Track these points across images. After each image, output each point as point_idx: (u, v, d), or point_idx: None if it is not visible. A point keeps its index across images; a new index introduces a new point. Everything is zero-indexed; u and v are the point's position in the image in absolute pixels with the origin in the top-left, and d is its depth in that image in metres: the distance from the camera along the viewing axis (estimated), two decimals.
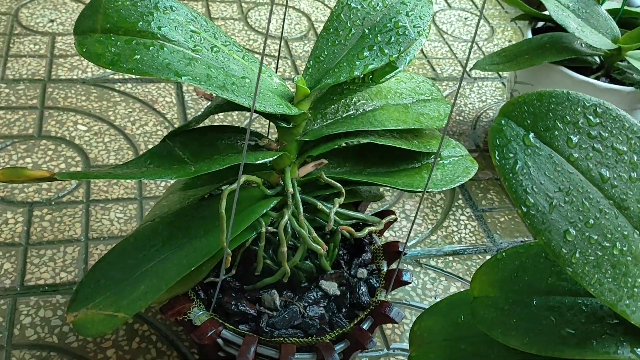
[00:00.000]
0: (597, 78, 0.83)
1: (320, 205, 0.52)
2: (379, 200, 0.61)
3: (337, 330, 0.50)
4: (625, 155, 0.33)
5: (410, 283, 0.55)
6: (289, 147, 0.51)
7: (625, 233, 0.32)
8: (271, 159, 0.49)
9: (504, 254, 0.40)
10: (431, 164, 0.61)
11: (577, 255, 0.31)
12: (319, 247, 0.51)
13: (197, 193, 0.54)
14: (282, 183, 0.51)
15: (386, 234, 0.79)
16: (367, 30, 0.50)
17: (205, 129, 0.52)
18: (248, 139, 0.40)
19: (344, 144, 0.62)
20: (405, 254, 0.57)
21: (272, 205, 0.51)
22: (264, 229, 0.50)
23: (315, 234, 0.51)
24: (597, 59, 0.86)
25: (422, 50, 1.14)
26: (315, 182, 0.54)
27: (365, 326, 0.52)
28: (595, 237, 0.32)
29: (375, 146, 0.60)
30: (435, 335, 0.42)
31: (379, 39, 0.49)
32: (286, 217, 0.49)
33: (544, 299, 0.37)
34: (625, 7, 0.87)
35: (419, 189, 0.58)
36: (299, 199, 0.51)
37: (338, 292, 0.52)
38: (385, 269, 0.57)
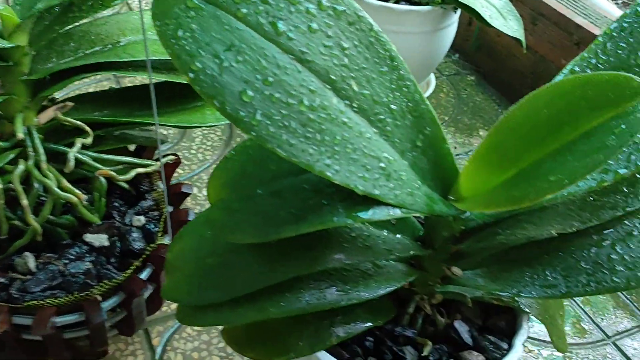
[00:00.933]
0: (397, 2, 0.83)
1: (72, 159, 0.47)
2: (158, 144, 0.56)
3: (105, 283, 0.45)
4: (300, 5, 0.30)
5: None
6: (15, 90, 0.45)
7: (312, 88, 0.29)
8: None
9: (233, 152, 0.37)
10: None
11: (259, 116, 0.28)
12: (70, 195, 0.45)
13: None
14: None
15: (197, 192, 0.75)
16: None
17: None
18: None
19: (108, 88, 0.57)
20: (189, 194, 0.53)
21: (8, 159, 0.45)
22: (0, 186, 0.44)
23: (66, 183, 0.46)
24: None
25: None
26: (64, 129, 0.48)
27: (144, 275, 0.47)
28: (277, 95, 0.28)
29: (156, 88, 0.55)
30: (185, 257, 0.38)
31: None
32: (21, 166, 0.44)
33: (268, 186, 0.34)
34: None
35: (195, 125, 0.54)
36: (39, 147, 0.45)
37: (107, 243, 0.47)
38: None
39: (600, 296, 0.70)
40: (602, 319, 0.68)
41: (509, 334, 0.42)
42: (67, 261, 0.46)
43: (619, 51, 0.37)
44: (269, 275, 0.34)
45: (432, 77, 0.97)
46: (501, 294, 0.42)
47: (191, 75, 0.28)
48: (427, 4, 0.82)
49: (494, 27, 0.77)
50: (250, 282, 0.34)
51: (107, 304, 0.45)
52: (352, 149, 0.30)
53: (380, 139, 0.32)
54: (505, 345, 0.41)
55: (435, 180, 0.35)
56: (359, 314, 0.40)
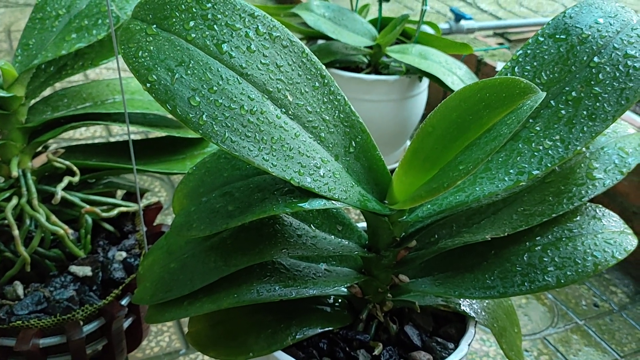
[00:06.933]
0: (368, 73, 0.91)
1: (59, 192, 0.52)
2: (137, 188, 0.62)
3: (87, 307, 0.49)
4: (241, 31, 0.36)
5: None
6: (12, 136, 0.51)
7: (252, 96, 0.35)
8: None
9: (194, 167, 0.42)
10: (196, 155, 0.64)
11: (205, 117, 0.34)
12: (57, 228, 0.50)
13: None
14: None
15: None
16: (73, 17, 0.53)
17: None
18: None
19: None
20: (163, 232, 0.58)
21: (4, 197, 0.50)
22: None
23: (54, 218, 0.51)
24: (365, 59, 0.94)
25: None
26: (56, 173, 0.54)
27: (124, 302, 0.51)
28: (221, 100, 0.34)
29: (145, 142, 0.62)
30: (153, 268, 0.43)
31: (86, 22, 0.52)
32: (13, 201, 0.49)
33: (220, 190, 0.39)
34: (383, 16, 0.97)
35: (176, 172, 0.60)
36: (31, 185, 0.51)
37: (90, 274, 0.52)
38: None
39: (574, 335, 0.72)
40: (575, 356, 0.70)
41: (458, 339, 0.46)
42: (52, 289, 0.50)
43: (525, 73, 0.43)
44: (223, 269, 0.38)
45: (409, 143, 1.03)
46: (445, 296, 0.46)
47: (148, 85, 0.34)
48: (394, 74, 0.90)
49: None
50: (207, 275, 0.38)
51: (89, 327, 0.49)
52: (289, 147, 0.36)
53: (314, 143, 0.37)
54: (452, 346, 0.44)
55: (371, 184, 0.40)
56: (313, 320, 0.43)
